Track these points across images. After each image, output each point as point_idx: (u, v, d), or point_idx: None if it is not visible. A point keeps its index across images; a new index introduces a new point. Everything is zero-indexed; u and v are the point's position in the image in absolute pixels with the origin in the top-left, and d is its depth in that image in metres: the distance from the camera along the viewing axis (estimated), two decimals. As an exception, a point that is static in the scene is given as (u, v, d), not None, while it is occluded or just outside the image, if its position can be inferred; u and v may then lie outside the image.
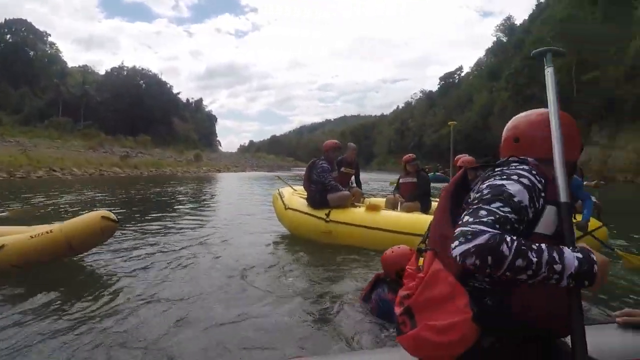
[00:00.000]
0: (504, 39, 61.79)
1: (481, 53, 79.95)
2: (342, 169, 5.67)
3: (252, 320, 2.63)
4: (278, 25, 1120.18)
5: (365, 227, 4.62)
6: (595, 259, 0.93)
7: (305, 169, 5.45)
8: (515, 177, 1.01)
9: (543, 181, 1.05)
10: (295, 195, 5.63)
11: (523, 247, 0.89)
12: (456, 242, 0.91)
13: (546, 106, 1.17)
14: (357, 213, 4.86)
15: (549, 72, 1.21)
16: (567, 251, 0.93)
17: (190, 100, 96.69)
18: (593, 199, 4.15)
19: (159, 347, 2.23)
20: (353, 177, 6.08)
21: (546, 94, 1.17)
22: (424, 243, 1.19)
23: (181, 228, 6.09)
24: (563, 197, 1.04)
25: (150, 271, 3.67)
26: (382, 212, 4.86)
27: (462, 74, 79.29)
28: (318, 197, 5.01)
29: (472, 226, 0.91)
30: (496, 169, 1.09)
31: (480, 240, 0.88)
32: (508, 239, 0.89)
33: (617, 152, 26.27)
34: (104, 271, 3.70)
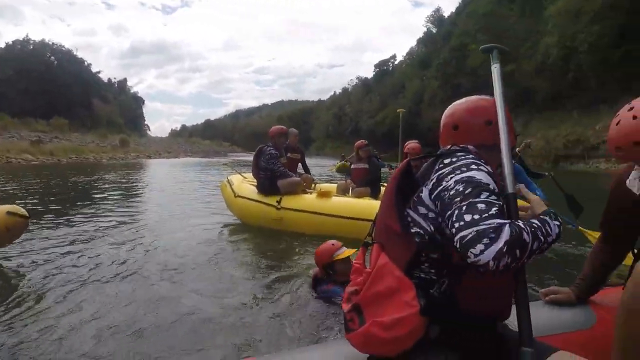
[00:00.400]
0: (434, 30, 64.91)
1: (413, 42, 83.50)
2: (288, 154, 5.63)
3: (197, 318, 2.44)
4: (210, 3, 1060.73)
5: (316, 213, 4.60)
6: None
7: (242, 154, 5.36)
8: (473, 166, 1.00)
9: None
10: (245, 183, 5.49)
11: (532, 229, 0.89)
12: (480, 246, 0.82)
13: (478, 95, 1.24)
14: (309, 199, 4.88)
15: (495, 68, 1.24)
16: (549, 220, 0.97)
17: (113, 80, 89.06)
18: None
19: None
20: (300, 164, 6.07)
21: (493, 88, 1.20)
22: (370, 236, 1.17)
23: (111, 221, 5.57)
24: (510, 188, 1.06)
25: (71, 272, 3.25)
26: (333, 198, 4.87)
27: (396, 62, 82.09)
28: (268, 184, 4.94)
29: (486, 223, 0.84)
30: (444, 160, 1.06)
31: (506, 235, 0.83)
32: (522, 224, 0.89)
33: (530, 139, 29.32)
34: (13, 275, 3.19)
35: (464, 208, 0.89)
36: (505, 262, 0.83)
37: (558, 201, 3.62)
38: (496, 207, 0.89)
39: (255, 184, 5.15)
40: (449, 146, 1.16)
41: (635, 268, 1.25)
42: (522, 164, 4.50)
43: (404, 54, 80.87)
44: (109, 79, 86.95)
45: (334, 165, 18.82)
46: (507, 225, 0.85)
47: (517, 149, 5.65)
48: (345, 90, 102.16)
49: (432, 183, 1.04)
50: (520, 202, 1.09)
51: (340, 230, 4.13)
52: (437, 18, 66.45)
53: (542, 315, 1.40)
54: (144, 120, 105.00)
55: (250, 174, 5.50)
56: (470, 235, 0.84)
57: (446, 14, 65.39)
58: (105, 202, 7.80)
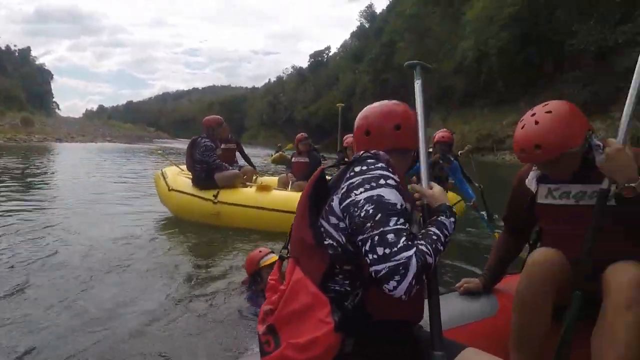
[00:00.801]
0: (367, 25, 67.07)
1: (347, 35, 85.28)
2: (222, 145, 5.41)
3: (106, 327, 2.19)
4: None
5: (255, 207, 4.51)
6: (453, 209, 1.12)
7: (170, 141, 5.16)
8: (382, 180, 1.02)
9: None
10: (180, 176, 5.22)
11: (434, 245, 0.99)
12: (393, 283, 0.90)
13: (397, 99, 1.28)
14: (247, 193, 4.73)
15: (417, 84, 1.36)
16: (445, 221, 1.08)
17: (13, 48, 78.20)
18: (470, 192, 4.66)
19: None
20: (239, 154, 5.91)
21: (415, 101, 1.32)
22: (286, 249, 1.16)
23: (10, 215, 4.81)
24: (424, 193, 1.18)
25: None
26: (273, 192, 4.75)
27: (330, 54, 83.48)
28: (204, 177, 4.75)
29: (396, 258, 0.91)
30: (355, 168, 1.07)
31: (413, 268, 0.90)
32: (424, 247, 0.96)
33: (467, 146, 32.13)
34: None
35: (376, 239, 0.93)
36: (415, 289, 0.92)
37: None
38: (404, 234, 0.94)
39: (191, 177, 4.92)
40: (362, 152, 1.16)
41: (528, 260, 1.39)
42: (460, 166, 4.81)
43: (338, 46, 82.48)
44: (8, 46, 76.43)
45: (269, 156, 18.21)
46: (414, 256, 0.91)
47: (461, 152, 5.95)
48: (280, 78, 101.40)
49: (342, 192, 1.04)
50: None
51: (280, 225, 3.82)
52: (369, 13, 68.68)
53: (456, 306, 1.52)
54: (52, 98, 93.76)
55: (184, 165, 5.19)
56: (384, 272, 0.90)
57: (378, 10, 67.97)
58: (7, 192, 6.60)
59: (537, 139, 1.30)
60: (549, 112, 1.32)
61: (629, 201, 1.23)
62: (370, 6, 69.94)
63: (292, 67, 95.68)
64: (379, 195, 0.99)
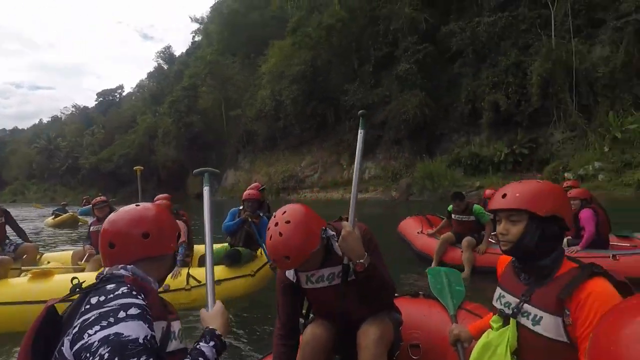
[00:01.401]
0: (165, 66, 64.79)
1: (143, 75, 79.85)
2: None
3: None
4: None
5: (30, 302, 3.42)
6: (219, 333, 1.12)
7: None
8: (121, 313, 0.91)
9: (143, 296, 1.00)
10: None
11: None
12: None
13: None
14: (17, 285, 3.67)
15: (205, 190, 1.44)
16: (204, 348, 1.05)
17: None
18: None
19: None
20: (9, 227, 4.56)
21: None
22: None
23: None
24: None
25: None
26: (55, 278, 3.74)
27: (124, 93, 76.12)
28: None
29: None
30: (92, 299, 0.95)
31: None
32: None
33: (256, 175, 33.72)
34: None
35: None
36: None
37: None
38: None
39: None
40: (106, 269, 1.08)
41: (301, 340, 1.66)
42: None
43: (134, 86, 76.27)
44: None
45: (51, 218, 13.96)
46: None
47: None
48: (56, 119, 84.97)
49: (74, 332, 0.90)
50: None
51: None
52: (168, 55, 66.82)
53: None
54: None
55: None
56: None
57: (177, 52, 66.96)
58: None
59: (284, 251, 1.44)
60: (288, 222, 1.46)
61: (363, 274, 1.51)
62: (168, 47, 68.34)
63: (74, 106, 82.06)
64: (116, 334, 0.88)
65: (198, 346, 1.05)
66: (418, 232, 5.70)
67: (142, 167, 5.30)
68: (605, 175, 15.19)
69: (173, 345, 1.05)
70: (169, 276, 3.72)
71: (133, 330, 0.89)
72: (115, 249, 1.09)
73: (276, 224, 1.47)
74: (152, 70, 68.31)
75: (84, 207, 15.34)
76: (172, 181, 38.96)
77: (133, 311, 0.92)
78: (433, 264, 4.93)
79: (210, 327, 1.12)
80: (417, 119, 22.02)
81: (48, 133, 73.66)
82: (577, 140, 17.86)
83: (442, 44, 22.51)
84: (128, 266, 1.06)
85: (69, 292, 1.04)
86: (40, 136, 74.74)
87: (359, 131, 1.66)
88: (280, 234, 1.44)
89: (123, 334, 0.88)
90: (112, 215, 1.15)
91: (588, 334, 1.08)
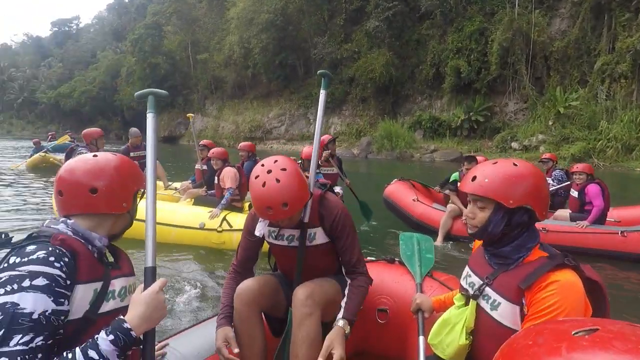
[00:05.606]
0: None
1: (102, 6, 72.97)
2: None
3: None
4: None
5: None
6: (127, 326, 0.94)
7: None
8: (26, 282, 0.86)
9: (69, 259, 0.94)
10: None
11: None
12: None
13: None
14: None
15: (149, 116, 1.23)
16: (100, 340, 0.92)
17: None
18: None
19: None
20: None
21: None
22: None
23: None
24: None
25: None
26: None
27: (81, 25, 70.05)
28: None
29: None
30: (10, 258, 0.92)
31: None
32: None
33: (223, 123, 33.35)
34: None
35: None
36: None
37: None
38: (26, 357, 0.82)
39: None
40: (45, 223, 1.03)
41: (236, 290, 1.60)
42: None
43: (92, 18, 70.03)
44: None
45: (23, 162, 12.49)
46: None
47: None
48: (6, 47, 77.73)
49: None
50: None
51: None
52: (129, -15, 61.10)
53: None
54: None
55: None
56: None
57: (139, -17, 61.19)
58: None
59: (283, 198, 1.37)
60: (284, 169, 1.41)
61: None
62: (129, -23, 62.23)
63: (26, 34, 75.11)
64: (13, 304, 0.85)
65: (96, 336, 0.93)
66: (414, 200, 5.34)
67: (193, 114, 6.02)
68: (546, 148, 16.31)
69: (109, 306, 1.00)
70: (207, 216, 4.49)
71: (30, 303, 0.85)
72: (62, 198, 1.05)
73: (269, 171, 1.40)
74: (111, 2, 62.69)
75: (56, 144, 13.07)
76: (136, 122, 37.40)
77: (39, 282, 0.87)
78: (438, 239, 4.75)
79: (121, 317, 0.97)
80: (383, 78, 22.19)
81: (-1, 64, 67.82)
82: (528, 111, 18.83)
83: (412, 2, 22.19)
84: (69, 220, 1.02)
85: None
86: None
87: (321, 92, 1.59)
88: (278, 180, 1.38)
89: (19, 305, 0.85)
90: (71, 162, 1.09)
91: (534, 320, 1.05)
